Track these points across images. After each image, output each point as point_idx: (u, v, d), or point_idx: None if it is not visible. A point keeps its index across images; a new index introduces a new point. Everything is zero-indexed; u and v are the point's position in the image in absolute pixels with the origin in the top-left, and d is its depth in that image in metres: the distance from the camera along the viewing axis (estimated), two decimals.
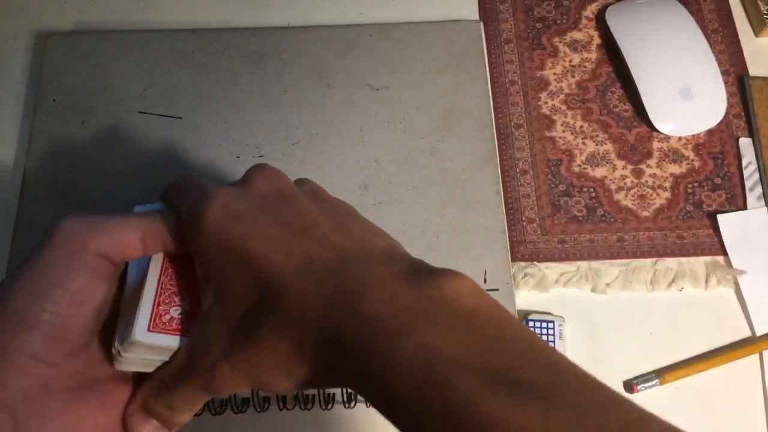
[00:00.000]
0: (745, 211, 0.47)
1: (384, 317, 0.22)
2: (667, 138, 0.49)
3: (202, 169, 0.45)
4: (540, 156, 0.48)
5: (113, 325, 0.28)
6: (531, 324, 0.43)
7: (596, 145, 0.49)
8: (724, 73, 0.51)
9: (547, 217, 0.47)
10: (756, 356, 0.43)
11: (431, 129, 0.47)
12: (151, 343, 0.27)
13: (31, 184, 0.44)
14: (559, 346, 0.42)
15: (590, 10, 0.54)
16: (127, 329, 0.26)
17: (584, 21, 0.53)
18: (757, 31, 0.53)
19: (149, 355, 0.27)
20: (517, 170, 0.48)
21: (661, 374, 0.42)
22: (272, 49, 0.49)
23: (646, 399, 0.42)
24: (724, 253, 0.46)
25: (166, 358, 0.27)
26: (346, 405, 0.39)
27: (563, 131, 0.49)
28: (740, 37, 0.53)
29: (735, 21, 0.53)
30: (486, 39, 0.52)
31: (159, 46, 0.49)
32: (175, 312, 0.28)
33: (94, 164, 0.45)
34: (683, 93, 0.48)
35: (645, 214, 0.47)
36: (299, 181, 0.30)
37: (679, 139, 0.49)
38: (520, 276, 0.45)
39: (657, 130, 0.49)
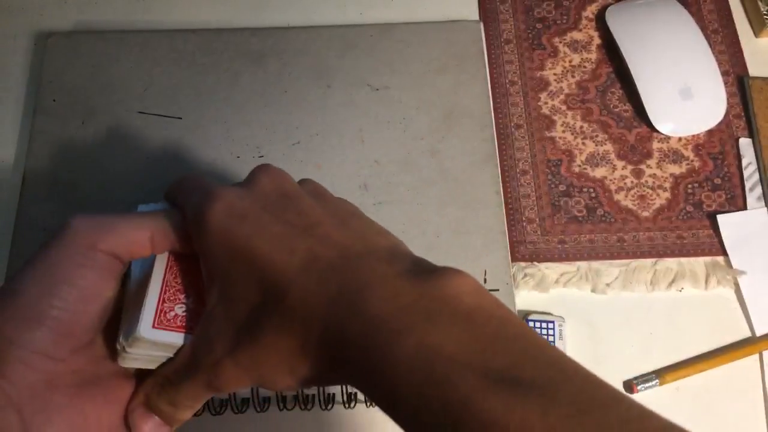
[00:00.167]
0: (745, 212, 0.47)
1: (385, 315, 0.22)
2: (667, 138, 0.49)
3: (203, 169, 0.45)
4: (540, 156, 0.48)
5: (117, 322, 0.28)
6: (531, 324, 0.43)
7: (596, 145, 0.49)
8: (724, 73, 0.51)
9: (547, 218, 0.47)
10: (756, 356, 0.43)
11: (431, 129, 0.47)
12: (155, 339, 0.27)
13: (31, 184, 0.44)
14: (559, 347, 0.42)
15: (590, 10, 0.54)
16: (131, 325, 0.27)
17: (584, 21, 0.53)
18: (757, 32, 0.53)
19: (153, 352, 0.27)
20: (517, 170, 0.48)
21: (661, 374, 0.42)
22: (272, 49, 0.49)
23: (646, 399, 0.42)
24: (724, 253, 0.46)
25: (170, 355, 0.27)
26: (346, 405, 0.39)
27: (563, 131, 0.49)
28: (740, 37, 0.53)
29: (735, 21, 0.53)
30: (486, 39, 0.52)
31: (159, 46, 0.49)
32: (179, 309, 0.28)
33: (94, 164, 0.45)
34: (683, 93, 0.48)
35: (645, 214, 0.47)
36: (302, 182, 0.31)
37: (679, 139, 0.49)
38: (520, 276, 0.45)
39: (657, 131, 0.49)
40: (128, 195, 0.44)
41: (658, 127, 0.48)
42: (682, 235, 0.46)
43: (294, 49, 0.49)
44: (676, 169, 0.48)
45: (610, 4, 0.53)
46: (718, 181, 0.48)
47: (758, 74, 0.51)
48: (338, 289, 0.24)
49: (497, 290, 0.42)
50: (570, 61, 0.52)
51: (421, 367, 0.21)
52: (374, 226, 0.28)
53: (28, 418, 0.24)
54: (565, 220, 0.47)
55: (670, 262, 0.45)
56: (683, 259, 0.46)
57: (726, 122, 0.49)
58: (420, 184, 0.45)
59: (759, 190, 0.48)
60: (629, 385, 0.42)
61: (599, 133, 0.49)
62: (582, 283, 0.45)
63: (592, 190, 0.47)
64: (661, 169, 0.48)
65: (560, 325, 0.43)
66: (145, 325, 0.26)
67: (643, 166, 0.48)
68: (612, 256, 0.45)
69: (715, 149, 0.49)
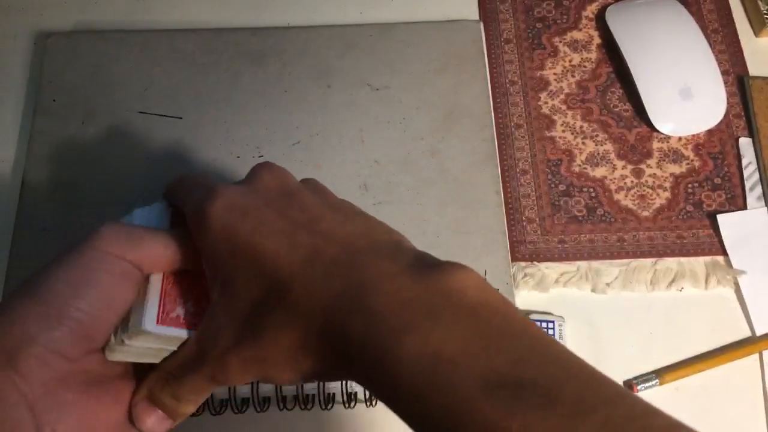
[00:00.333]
0: (745, 211, 0.47)
1: (387, 312, 0.22)
2: (667, 138, 0.49)
3: (203, 169, 0.45)
4: (540, 156, 0.48)
5: None
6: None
7: (596, 145, 0.49)
8: (724, 73, 0.51)
9: (547, 217, 0.47)
10: (756, 356, 0.43)
11: (431, 129, 0.47)
12: (159, 332, 0.27)
13: (31, 184, 0.44)
14: None
15: (590, 10, 0.54)
16: (135, 319, 0.27)
17: (584, 21, 0.53)
18: (757, 31, 0.53)
19: (152, 344, 0.27)
20: (517, 170, 0.48)
21: (661, 374, 0.42)
22: (272, 49, 0.49)
23: (646, 399, 0.41)
24: (724, 253, 0.46)
25: (167, 347, 0.28)
26: (346, 405, 0.39)
27: (563, 131, 0.49)
28: (740, 37, 0.53)
29: (735, 21, 0.53)
30: (486, 39, 0.52)
31: (159, 46, 0.49)
32: (180, 311, 0.28)
33: (94, 164, 0.45)
34: (683, 93, 0.48)
35: (645, 214, 0.47)
36: (304, 181, 0.31)
37: (679, 139, 0.49)
38: (520, 276, 0.45)
39: (657, 130, 0.49)
40: (128, 195, 0.44)
41: (658, 126, 0.48)
42: (682, 234, 0.46)
43: (294, 49, 0.49)
44: (676, 169, 0.48)
45: (610, 4, 0.53)
46: (718, 180, 0.48)
47: (758, 74, 0.51)
48: (341, 285, 0.24)
49: (497, 290, 0.42)
50: (570, 61, 0.52)
51: (423, 368, 0.21)
52: (377, 222, 0.28)
53: (40, 414, 0.24)
54: (565, 219, 0.47)
55: (670, 262, 0.45)
56: (683, 259, 0.46)
57: (726, 122, 0.49)
58: (420, 184, 0.45)
59: (759, 189, 0.48)
60: (629, 385, 0.42)
61: (599, 132, 0.49)
62: (582, 282, 0.45)
63: (592, 189, 0.47)
64: (661, 169, 0.48)
65: (560, 325, 0.43)
66: (150, 320, 0.27)
67: (643, 166, 0.48)
68: (612, 256, 0.45)
69: (715, 149, 0.49)
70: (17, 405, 0.23)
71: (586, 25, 0.53)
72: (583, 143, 0.49)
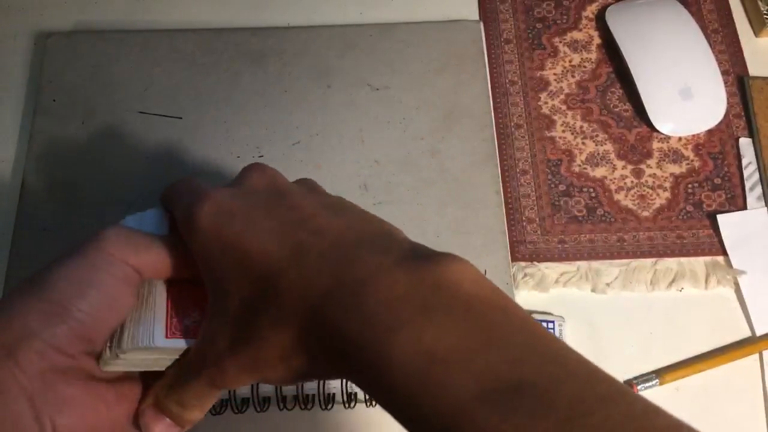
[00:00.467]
0: (745, 211, 0.47)
1: (380, 309, 0.22)
2: (667, 138, 0.49)
3: (202, 169, 0.45)
4: (540, 156, 0.48)
5: None
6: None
7: (596, 145, 0.49)
8: (724, 73, 0.51)
9: (547, 217, 0.47)
10: (756, 356, 0.43)
11: (431, 129, 0.47)
12: (165, 346, 0.27)
13: (31, 184, 0.44)
14: None
15: (590, 10, 0.54)
16: (140, 335, 0.27)
17: (584, 21, 0.53)
18: (757, 31, 0.53)
19: (148, 356, 0.27)
20: (517, 170, 0.48)
21: (661, 374, 0.42)
22: (272, 49, 0.49)
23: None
24: (724, 253, 0.46)
25: (168, 357, 0.28)
26: (346, 405, 0.39)
27: (563, 131, 0.49)
28: (740, 37, 0.53)
29: (735, 21, 0.53)
30: (486, 39, 0.52)
31: (159, 46, 0.49)
32: (188, 321, 0.28)
33: (94, 164, 0.45)
34: (683, 93, 0.48)
35: (645, 214, 0.47)
36: (299, 181, 0.30)
37: (679, 139, 0.49)
38: (520, 276, 0.45)
39: (657, 130, 0.49)
40: (128, 195, 0.44)
41: (658, 126, 0.48)
42: (682, 234, 0.46)
43: (294, 49, 0.49)
44: (676, 169, 0.48)
45: (610, 4, 0.53)
46: (718, 180, 0.48)
47: (758, 74, 0.51)
48: (331, 281, 0.23)
49: (493, 283, 0.42)
50: (570, 61, 0.52)
51: (416, 370, 0.21)
52: (369, 215, 0.28)
53: (40, 406, 0.24)
54: (565, 220, 0.47)
55: (670, 262, 0.45)
56: (683, 259, 0.46)
57: (726, 122, 0.49)
58: (420, 184, 0.45)
59: (759, 189, 0.48)
60: (629, 385, 0.42)
61: (599, 132, 0.49)
62: (582, 282, 0.45)
63: (592, 189, 0.47)
64: (661, 169, 0.48)
65: (560, 325, 0.43)
66: (159, 335, 0.27)
67: (643, 166, 0.48)
68: (612, 256, 0.45)
69: (715, 149, 0.49)
70: (17, 397, 0.23)
71: (586, 25, 0.53)
72: (583, 143, 0.49)
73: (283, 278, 0.24)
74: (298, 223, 0.26)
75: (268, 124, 0.47)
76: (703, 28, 0.52)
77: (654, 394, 0.42)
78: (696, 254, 0.46)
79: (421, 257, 0.23)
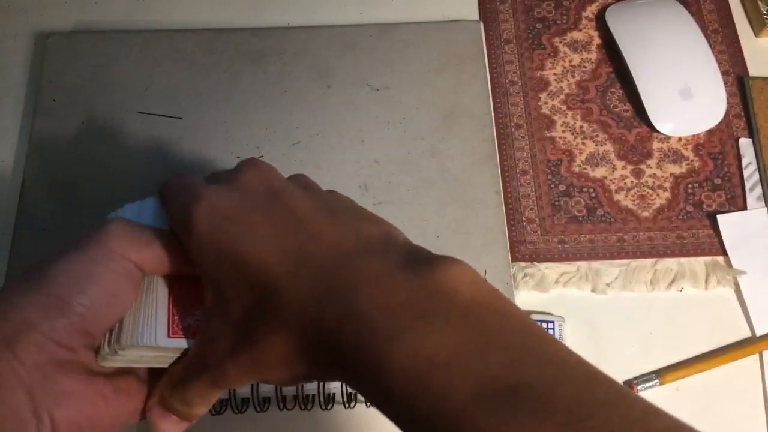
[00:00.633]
0: (745, 212, 0.47)
1: (379, 317, 0.22)
2: (667, 138, 0.49)
3: (202, 169, 0.45)
4: (540, 156, 0.48)
5: None
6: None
7: (596, 145, 0.49)
8: (724, 73, 0.51)
9: (547, 217, 0.47)
10: (756, 356, 0.43)
11: (431, 129, 0.47)
12: (167, 345, 0.27)
13: (31, 184, 0.44)
14: None
15: (590, 10, 0.54)
16: (140, 333, 0.27)
17: (584, 21, 0.53)
18: (757, 32, 0.53)
19: (145, 353, 0.27)
20: (517, 170, 0.48)
21: (661, 374, 0.42)
22: (272, 49, 0.49)
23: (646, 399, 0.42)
24: (724, 253, 0.46)
25: (167, 356, 0.28)
26: (346, 405, 0.39)
27: (563, 131, 0.49)
28: (740, 37, 0.53)
29: (735, 21, 0.53)
30: (486, 39, 0.52)
31: (159, 46, 0.49)
32: (190, 319, 0.28)
33: (94, 164, 0.45)
34: (683, 93, 0.48)
35: (645, 214, 0.47)
36: (292, 177, 0.30)
37: (679, 139, 0.49)
38: (520, 276, 0.45)
39: (657, 131, 0.49)
40: (128, 195, 0.43)
41: (658, 127, 0.48)
42: (682, 235, 0.46)
43: (294, 49, 0.49)
44: (676, 169, 0.48)
45: (610, 4, 0.53)
46: (718, 181, 0.48)
47: (758, 74, 0.51)
48: (330, 291, 0.23)
49: (491, 284, 0.42)
50: (570, 61, 0.52)
51: (416, 375, 0.21)
52: (366, 214, 0.27)
53: (38, 399, 0.24)
54: (565, 220, 0.47)
55: (670, 262, 0.45)
56: (683, 259, 0.46)
57: (726, 122, 0.49)
58: (420, 184, 0.45)
59: (759, 190, 0.48)
60: (629, 385, 0.42)
61: (599, 133, 0.49)
62: (582, 283, 0.45)
63: (592, 190, 0.47)
64: (661, 169, 0.48)
65: (560, 325, 0.43)
66: (161, 335, 0.27)
67: (643, 166, 0.48)
68: (612, 256, 0.45)
69: (715, 149, 0.49)
70: (15, 390, 0.23)
71: (586, 25, 0.53)
72: (583, 143, 0.49)
73: (282, 288, 0.24)
74: (295, 227, 0.25)
75: (268, 124, 0.47)
76: (703, 28, 0.52)
77: (654, 394, 0.42)
78: (696, 254, 0.46)
79: (419, 262, 0.23)
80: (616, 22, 0.51)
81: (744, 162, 0.48)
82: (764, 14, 0.53)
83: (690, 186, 0.48)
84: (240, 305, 0.25)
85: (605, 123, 0.50)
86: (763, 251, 0.45)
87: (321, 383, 0.38)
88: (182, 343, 0.28)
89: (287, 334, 0.24)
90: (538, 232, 0.46)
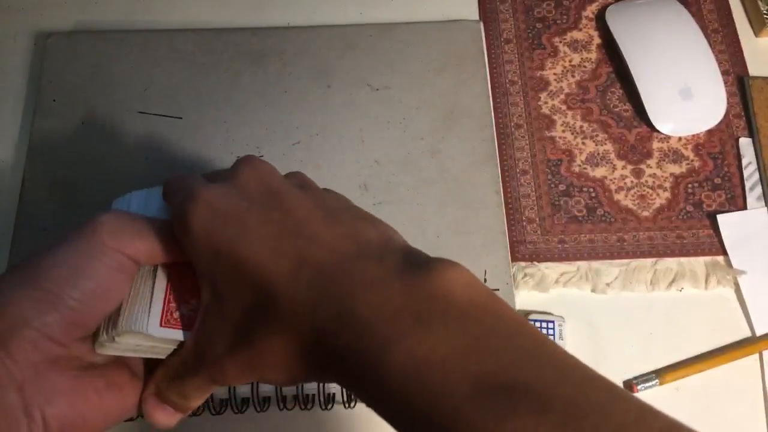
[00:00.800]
0: (745, 211, 0.47)
1: (376, 320, 0.22)
2: (667, 138, 0.49)
3: (202, 169, 0.45)
4: (540, 156, 0.48)
5: None
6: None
7: (596, 145, 0.49)
8: (724, 73, 0.51)
9: (547, 217, 0.47)
10: (756, 356, 0.43)
11: (431, 129, 0.47)
12: (160, 335, 0.27)
13: (31, 184, 0.44)
14: None
15: (590, 10, 0.54)
16: (135, 320, 0.27)
17: (584, 21, 0.53)
18: (757, 31, 0.53)
19: (143, 342, 0.27)
20: (517, 170, 0.48)
21: (661, 374, 0.42)
22: (272, 49, 0.49)
23: (646, 399, 0.41)
24: (724, 253, 0.46)
25: (163, 346, 0.28)
26: (346, 405, 0.39)
27: (563, 131, 0.49)
28: (740, 37, 0.53)
29: (735, 21, 0.53)
30: (486, 39, 0.52)
31: (159, 46, 0.49)
32: (185, 309, 0.28)
33: (94, 164, 0.45)
34: (683, 93, 0.48)
35: (645, 214, 0.47)
36: (289, 175, 0.30)
37: (679, 139, 0.49)
38: (520, 276, 0.45)
39: (657, 130, 0.49)
40: None
41: (658, 126, 0.48)
42: (682, 234, 0.46)
43: (294, 49, 0.49)
44: (676, 169, 0.48)
45: (610, 4, 0.53)
46: (718, 180, 0.48)
47: (758, 74, 0.51)
48: (328, 295, 0.23)
49: (497, 290, 0.42)
50: (570, 61, 0.52)
51: (411, 378, 0.21)
52: (364, 215, 0.27)
53: (30, 397, 0.24)
54: (565, 220, 0.47)
55: (670, 262, 0.45)
56: (683, 259, 0.46)
57: (726, 122, 0.49)
58: (420, 184, 0.45)
59: (759, 190, 0.48)
60: (629, 385, 0.42)
61: (599, 132, 0.49)
62: (582, 283, 0.45)
63: (592, 189, 0.47)
64: (661, 169, 0.48)
65: (560, 325, 0.43)
66: (153, 324, 0.27)
67: (643, 166, 0.48)
68: (612, 256, 0.45)
69: (715, 149, 0.49)
70: (6, 387, 0.23)
71: (586, 25, 0.53)
72: (583, 143, 0.49)
73: (280, 292, 0.24)
74: (293, 228, 0.25)
75: (268, 124, 0.47)
76: (703, 28, 0.52)
77: (654, 394, 0.42)
78: (696, 254, 0.46)
79: (416, 265, 0.24)
80: (616, 22, 0.51)
81: (744, 162, 0.48)
82: (764, 14, 0.53)
83: (690, 186, 0.48)
84: (238, 305, 0.25)
85: (605, 123, 0.50)
86: (763, 251, 0.45)
87: (321, 383, 0.38)
88: (176, 334, 0.27)
89: (286, 338, 0.24)
90: (538, 232, 0.46)
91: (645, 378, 0.42)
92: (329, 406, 0.39)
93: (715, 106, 0.49)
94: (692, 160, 0.48)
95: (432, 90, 0.48)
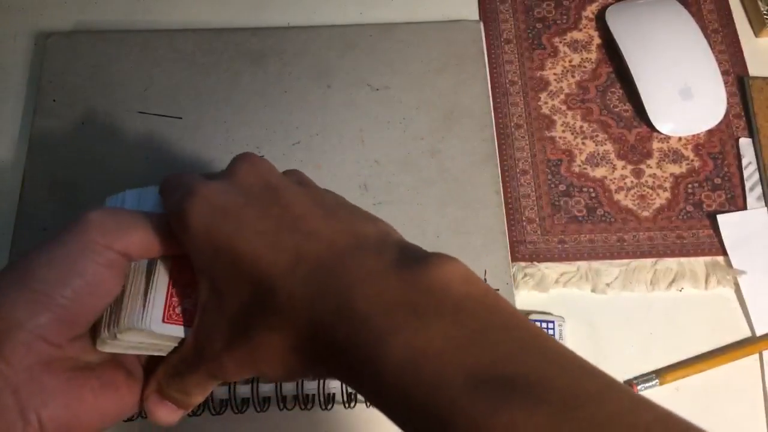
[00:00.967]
0: (745, 211, 0.47)
1: (373, 315, 0.22)
2: (667, 138, 0.49)
3: (202, 169, 0.45)
4: (540, 156, 0.48)
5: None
6: (535, 324, 0.43)
7: (596, 145, 0.49)
8: (724, 73, 0.51)
9: (547, 217, 0.47)
10: (756, 356, 0.43)
11: (431, 129, 0.47)
12: (162, 332, 0.27)
13: (31, 184, 0.44)
14: None
15: (590, 10, 0.54)
16: (137, 316, 0.27)
17: (584, 21, 0.53)
18: (757, 31, 0.53)
19: (145, 339, 0.27)
20: (517, 170, 0.48)
21: (661, 374, 0.42)
22: (272, 49, 0.49)
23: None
24: (724, 253, 0.46)
25: (165, 343, 0.28)
26: (346, 405, 0.39)
27: (563, 131, 0.49)
28: (740, 37, 0.53)
29: (735, 21, 0.53)
30: (486, 39, 0.52)
31: (159, 46, 0.49)
32: (187, 304, 0.28)
33: (94, 164, 0.45)
34: (683, 93, 0.48)
35: (645, 214, 0.47)
36: (287, 172, 0.30)
37: (679, 139, 0.49)
38: (520, 276, 0.45)
39: (657, 130, 0.49)
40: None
41: (658, 127, 0.48)
42: (682, 235, 0.46)
43: (294, 49, 0.49)
44: (676, 169, 0.48)
45: (610, 4, 0.53)
46: (718, 181, 0.48)
47: (758, 74, 0.51)
48: (326, 289, 0.23)
49: (497, 290, 0.42)
50: (570, 61, 0.52)
51: (408, 369, 0.21)
52: (362, 213, 0.27)
53: (25, 399, 0.24)
54: (565, 220, 0.47)
55: (670, 262, 0.45)
56: (683, 259, 0.46)
57: (726, 122, 0.49)
58: (420, 184, 0.45)
59: (759, 190, 0.48)
60: (629, 385, 0.42)
61: (599, 133, 0.49)
62: (582, 283, 0.45)
63: (592, 190, 0.47)
64: (661, 169, 0.48)
65: (560, 325, 0.43)
66: (156, 319, 0.27)
67: (643, 166, 0.48)
68: (612, 256, 0.45)
69: (715, 149, 0.49)
70: (1, 391, 0.23)
71: (586, 25, 0.53)
72: (583, 143, 0.49)
73: (279, 287, 0.24)
74: (291, 223, 0.25)
75: (268, 124, 0.47)
76: (703, 28, 0.52)
77: (654, 394, 0.42)
78: (696, 254, 0.46)
79: (413, 259, 0.24)
80: (616, 22, 0.51)
81: (744, 162, 0.48)
82: (764, 14, 0.53)
83: (690, 186, 0.48)
84: (236, 300, 0.25)
85: (605, 123, 0.50)
86: (763, 251, 0.45)
87: (321, 383, 0.38)
88: (178, 331, 0.27)
89: (284, 332, 0.24)
90: (538, 232, 0.46)
91: (645, 378, 0.42)
92: (329, 406, 0.39)
93: (715, 106, 0.49)
94: (692, 160, 0.48)
95: (432, 90, 0.48)
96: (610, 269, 0.45)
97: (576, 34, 0.53)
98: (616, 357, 0.43)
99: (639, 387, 0.42)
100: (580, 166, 0.48)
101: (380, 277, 0.23)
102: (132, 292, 0.27)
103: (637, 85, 0.49)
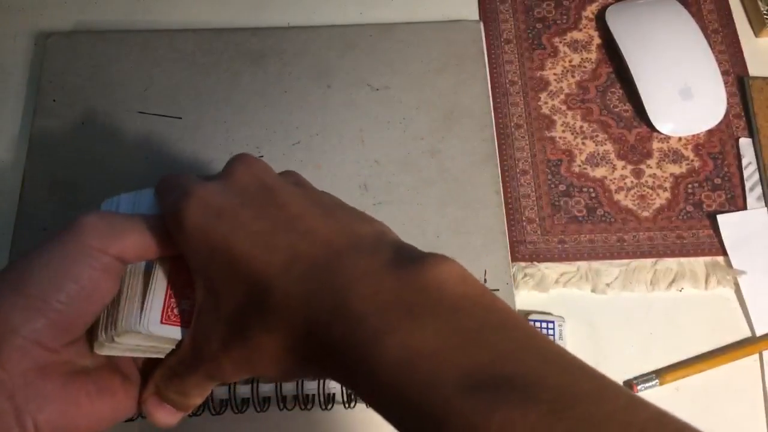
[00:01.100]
0: (745, 212, 0.47)
1: (368, 314, 0.22)
2: (667, 138, 0.49)
3: (202, 170, 0.45)
4: (540, 156, 0.48)
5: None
6: (531, 324, 0.43)
7: (596, 145, 0.49)
8: (724, 73, 0.51)
9: (547, 217, 0.47)
10: (756, 356, 0.43)
11: (431, 129, 0.47)
12: (160, 333, 0.27)
13: (31, 184, 0.44)
14: None
15: (590, 10, 0.54)
16: (134, 318, 0.27)
17: (584, 21, 0.53)
18: (757, 31, 0.53)
19: (143, 342, 0.27)
20: (517, 170, 0.48)
21: (661, 374, 0.42)
22: (272, 49, 0.49)
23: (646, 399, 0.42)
24: (724, 253, 0.46)
25: (162, 346, 0.28)
26: (346, 405, 0.39)
27: (563, 131, 0.49)
28: (740, 37, 0.53)
29: (735, 21, 0.53)
30: (486, 39, 0.52)
31: (159, 46, 0.49)
32: (185, 305, 0.28)
33: (94, 164, 0.45)
34: (683, 93, 0.48)
35: (645, 214, 0.47)
36: (284, 173, 0.30)
37: (679, 139, 0.49)
38: (520, 276, 0.45)
39: (657, 131, 0.49)
40: None
41: (658, 127, 0.48)
42: (682, 235, 0.46)
43: (294, 49, 0.49)
44: (676, 169, 0.48)
45: (610, 4, 0.53)
46: (718, 181, 0.48)
47: (758, 74, 0.51)
48: (321, 288, 0.23)
49: (497, 290, 0.42)
50: (570, 61, 0.52)
51: (403, 369, 0.21)
52: (357, 214, 0.27)
53: (21, 404, 0.24)
54: (565, 220, 0.47)
55: (670, 262, 0.45)
56: (683, 259, 0.46)
57: (726, 122, 0.49)
58: (420, 184, 0.45)
59: (759, 190, 0.48)
60: (629, 385, 0.42)
61: (599, 133, 0.49)
62: (582, 283, 0.45)
63: (592, 190, 0.47)
64: (661, 169, 0.48)
65: (560, 325, 0.43)
66: (154, 321, 0.27)
67: (643, 166, 0.48)
68: (612, 256, 0.45)
69: (715, 149, 0.49)
70: None
71: (586, 25, 0.53)
72: (583, 143, 0.49)
73: (274, 286, 0.24)
74: (287, 224, 0.25)
75: (268, 124, 0.47)
76: (703, 28, 0.52)
77: (654, 394, 0.42)
78: (696, 254, 0.46)
79: (408, 259, 0.24)
80: (616, 22, 0.51)
81: (744, 162, 0.48)
82: (764, 14, 0.53)
83: (690, 186, 0.48)
84: (232, 301, 0.25)
85: (605, 123, 0.50)
86: (763, 251, 0.45)
87: (321, 383, 0.38)
88: (176, 332, 0.27)
89: (279, 332, 0.24)
90: (538, 232, 0.46)
91: (645, 378, 0.42)
92: (329, 406, 0.39)
93: (715, 106, 0.49)
94: (692, 161, 0.48)
95: (432, 90, 0.48)
96: (610, 269, 0.45)
97: (576, 34, 0.53)
98: (616, 357, 0.43)
99: (639, 387, 0.42)
100: (580, 166, 0.48)
101: (376, 276, 0.23)
102: (129, 295, 0.27)
103: (637, 85, 0.49)
